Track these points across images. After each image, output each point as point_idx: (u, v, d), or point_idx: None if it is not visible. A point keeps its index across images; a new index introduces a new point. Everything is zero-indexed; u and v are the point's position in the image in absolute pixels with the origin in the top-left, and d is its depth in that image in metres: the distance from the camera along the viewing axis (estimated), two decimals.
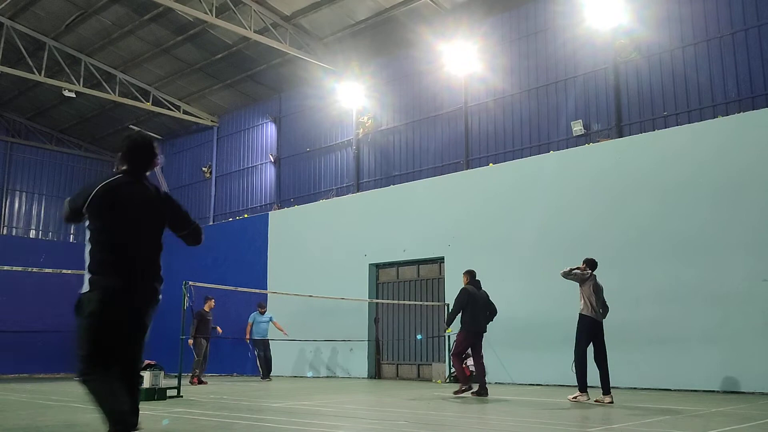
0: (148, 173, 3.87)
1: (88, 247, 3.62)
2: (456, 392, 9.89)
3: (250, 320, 15.49)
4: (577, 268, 8.99)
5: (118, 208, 3.63)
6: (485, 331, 10.33)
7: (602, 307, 8.89)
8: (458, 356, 10.15)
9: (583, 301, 8.82)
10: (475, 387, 9.88)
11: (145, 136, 3.99)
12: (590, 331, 8.70)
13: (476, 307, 10.13)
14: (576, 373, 8.66)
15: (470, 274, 10.53)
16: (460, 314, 10.14)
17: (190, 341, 13.22)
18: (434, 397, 9.68)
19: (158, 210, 3.86)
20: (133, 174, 3.77)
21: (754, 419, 6.58)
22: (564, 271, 9.00)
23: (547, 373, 12.05)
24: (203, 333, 13.69)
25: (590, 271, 8.97)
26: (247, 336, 15.57)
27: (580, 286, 8.89)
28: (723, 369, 10.26)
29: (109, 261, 3.58)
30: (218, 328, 14.68)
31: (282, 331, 14.92)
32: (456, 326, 10.53)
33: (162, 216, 3.88)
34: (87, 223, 3.63)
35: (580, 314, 8.79)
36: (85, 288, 3.55)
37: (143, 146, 3.84)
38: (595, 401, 8.47)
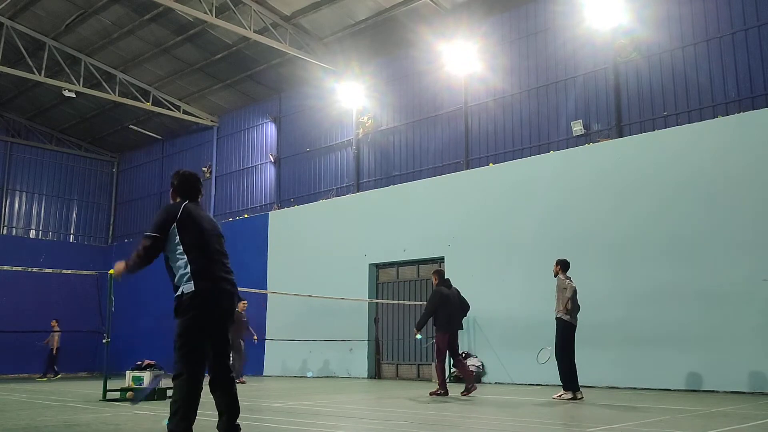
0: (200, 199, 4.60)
1: (179, 259, 4.25)
2: (432, 393, 9.81)
3: None
4: (565, 285, 8.94)
5: (196, 224, 4.35)
6: (461, 328, 10.37)
7: (577, 310, 9.03)
8: (442, 359, 10.10)
9: (563, 305, 8.85)
10: (459, 389, 9.95)
11: (193, 172, 4.74)
12: (572, 337, 8.92)
13: (451, 308, 10.08)
14: (564, 373, 8.87)
15: (439, 274, 10.53)
16: (434, 318, 10.12)
17: None
18: (434, 397, 9.65)
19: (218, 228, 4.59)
20: (193, 201, 4.49)
21: (754, 419, 6.58)
22: (567, 306, 8.87)
23: (547, 373, 12.03)
24: (238, 334, 13.96)
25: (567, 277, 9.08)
26: None
27: (562, 290, 8.94)
28: (723, 369, 10.25)
29: (204, 267, 4.25)
30: (254, 335, 14.60)
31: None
32: (425, 330, 10.54)
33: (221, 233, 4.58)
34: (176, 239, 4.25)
35: (563, 320, 8.87)
36: (189, 289, 4.17)
37: (194, 179, 4.63)
38: (557, 397, 8.79)
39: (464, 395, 9.70)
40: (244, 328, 14.16)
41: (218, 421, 4.42)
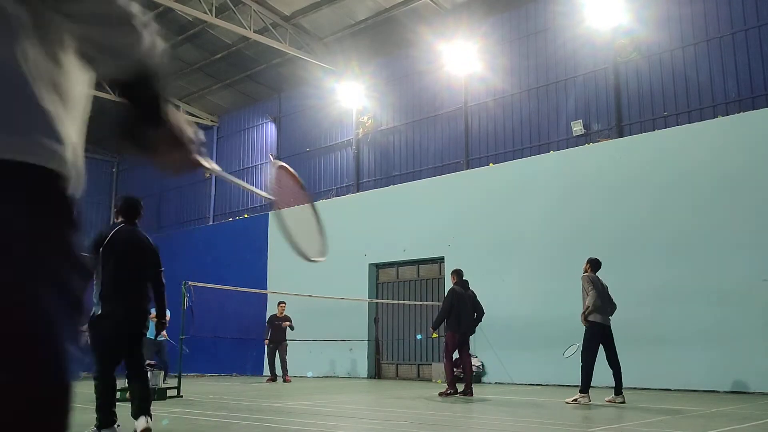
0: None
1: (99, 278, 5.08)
2: (441, 393, 9.80)
3: None
4: (586, 288, 8.66)
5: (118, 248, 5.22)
6: (473, 333, 10.28)
7: (610, 305, 8.77)
8: (450, 358, 10.07)
9: (584, 308, 8.59)
10: (461, 387, 9.83)
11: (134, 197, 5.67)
12: (600, 338, 8.60)
13: (463, 309, 10.03)
14: (584, 374, 8.48)
15: (458, 274, 10.46)
16: (448, 318, 10.06)
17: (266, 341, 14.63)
18: (434, 397, 9.66)
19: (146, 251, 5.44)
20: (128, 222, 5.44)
21: (754, 419, 6.57)
22: (585, 312, 8.59)
23: (547, 373, 12.05)
24: (275, 338, 14.37)
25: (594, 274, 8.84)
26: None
27: (583, 292, 8.74)
28: (723, 369, 10.25)
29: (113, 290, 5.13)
30: (286, 325, 14.58)
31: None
32: (442, 329, 10.45)
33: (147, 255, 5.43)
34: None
35: (587, 321, 8.58)
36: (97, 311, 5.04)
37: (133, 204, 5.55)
38: (572, 401, 8.36)
39: (441, 395, 9.70)
40: (279, 332, 14.48)
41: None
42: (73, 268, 1.01)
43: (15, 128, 0.96)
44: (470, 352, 12.89)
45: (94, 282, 5.04)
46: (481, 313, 10.30)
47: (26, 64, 0.99)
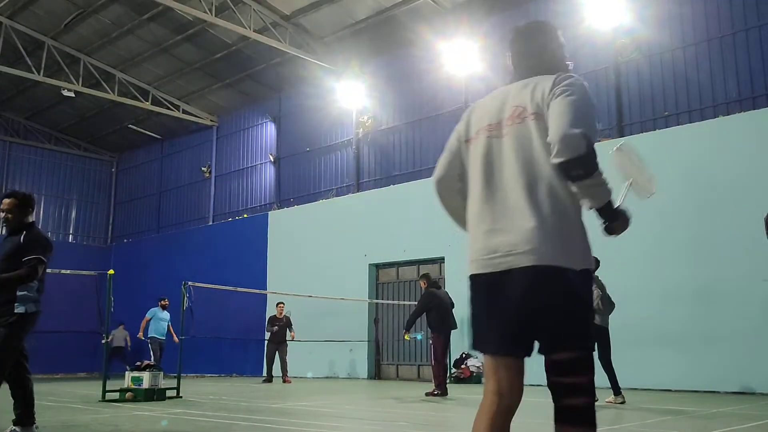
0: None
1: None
2: (428, 393, 9.81)
3: (148, 315, 14.79)
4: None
5: None
6: (455, 328, 10.44)
7: (609, 305, 8.69)
8: (441, 360, 10.11)
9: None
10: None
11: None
12: (597, 338, 8.50)
13: (444, 310, 10.17)
14: (609, 377, 8.23)
15: (427, 278, 10.63)
16: (427, 319, 10.22)
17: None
18: (434, 398, 9.64)
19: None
20: None
21: (755, 419, 6.56)
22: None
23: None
24: (276, 339, 14.38)
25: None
26: (141, 333, 14.88)
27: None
28: (724, 369, 10.23)
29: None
30: (292, 333, 14.68)
31: (174, 336, 14.60)
32: (418, 334, 10.54)
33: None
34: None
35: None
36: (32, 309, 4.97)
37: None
38: (606, 402, 8.17)
39: (428, 395, 9.71)
40: (279, 332, 14.52)
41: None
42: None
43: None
44: (469, 352, 12.97)
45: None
46: (452, 306, 10.48)
47: (574, 210, 2.41)
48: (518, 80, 2.53)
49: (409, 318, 10.55)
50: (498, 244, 2.30)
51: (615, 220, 2.50)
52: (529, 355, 2.34)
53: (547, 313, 2.22)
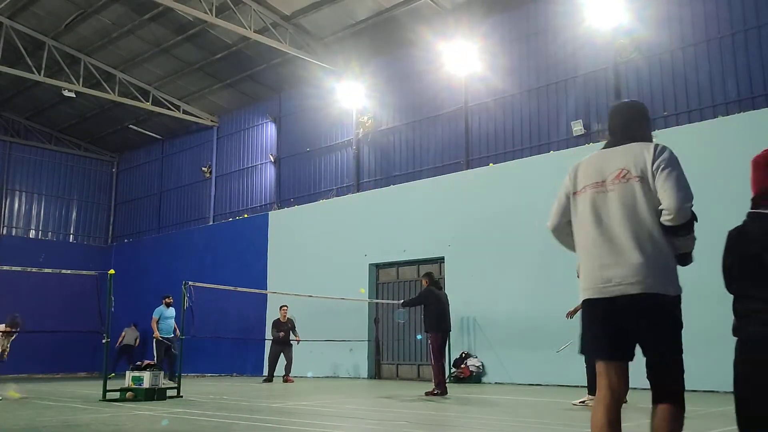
0: None
1: None
2: (428, 393, 9.84)
3: (155, 315, 14.30)
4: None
5: None
6: (450, 330, 10.55)
7: None
8: (438, 359, 10.14)
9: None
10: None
11: None
12: None
13: (442, 308, 10.29)
14: (589, 376, 8.29)
15: (430, 276, 10.74)
16: (424, 318, 10.33)
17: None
18: (434, 398, 9.65)
19: None
20: None
21: None
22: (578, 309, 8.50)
23: (547, 373, 12.04)
24: (280, 340, 14.32)
25: None
26: (156, 333, 14.24)
27: None
28: (723, 369, 10.16)
29: None
30: (297, 337, 14.65)
31: (176, 330, 14.12)
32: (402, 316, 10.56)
33: None
34: None
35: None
36: None
37: None
38: (580, 403, 8.04)
39: (427, 394, 9.76)
40: (280, 334, 14.52)
41: None
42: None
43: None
44: (469, 352, 13.01)
45: None
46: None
47: (668, 250, 3.01)
48: (614, 146, 3.15)
49: (410, 300, 10.91)
50: (611, 276, 2.92)
51: (690, 259, 3.24)
52: (632, 359, 3.03)
53: (651, 330, 2.93)
